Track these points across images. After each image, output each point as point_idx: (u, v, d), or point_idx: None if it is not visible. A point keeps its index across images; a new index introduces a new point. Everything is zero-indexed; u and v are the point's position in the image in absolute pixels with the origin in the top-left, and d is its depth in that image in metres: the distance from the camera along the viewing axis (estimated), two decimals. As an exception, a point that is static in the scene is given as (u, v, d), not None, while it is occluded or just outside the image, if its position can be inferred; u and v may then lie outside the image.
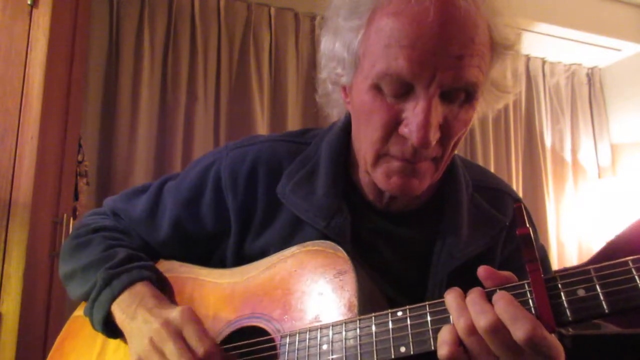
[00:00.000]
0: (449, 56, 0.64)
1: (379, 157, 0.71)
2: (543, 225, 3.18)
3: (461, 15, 0.64)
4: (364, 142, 0.73)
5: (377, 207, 0.82)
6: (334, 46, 0.74)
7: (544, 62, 3.42)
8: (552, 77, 3.44)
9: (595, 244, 3.21)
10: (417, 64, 0.64)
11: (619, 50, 3.32)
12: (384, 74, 0.66)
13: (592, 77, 3.56)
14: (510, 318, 0.52)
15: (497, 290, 0.55)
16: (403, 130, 0.67)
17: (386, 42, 0.65)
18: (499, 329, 0.52)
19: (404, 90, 0.66)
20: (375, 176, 0.74)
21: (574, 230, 3.30)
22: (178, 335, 0.70)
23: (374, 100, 0.69)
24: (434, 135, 0.66)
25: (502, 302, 0.53)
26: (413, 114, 0.66)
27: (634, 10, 3.29)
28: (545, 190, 3.26)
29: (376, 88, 0.68)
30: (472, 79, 0.66)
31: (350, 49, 0.71)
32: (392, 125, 0.68)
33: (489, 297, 0.55)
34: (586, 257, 3.03)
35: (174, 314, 0.72)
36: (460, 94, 0.67)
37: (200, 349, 0.68)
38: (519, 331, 0.50)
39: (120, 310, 0.77)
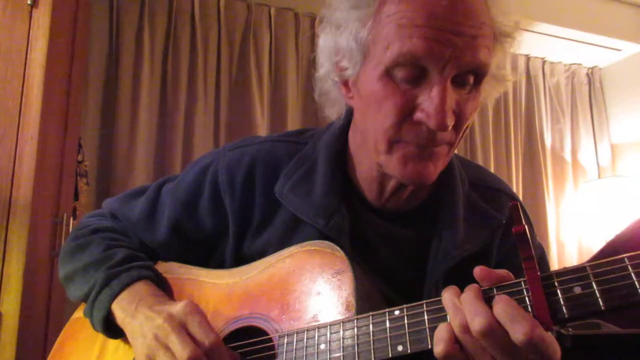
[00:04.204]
0: (464, 35, 0.64)
1: (392, 143, 0.71)
2: (543, 225, 3.18)
3: (473, 2, 0.66)
4: (374, 132, 0.72)
5: (374, 205, 0.82)
6: (337, 40, 0.73)
7: (544, 62, 3.42)
8: (552, 77, 3.44)
9: (595, 244, 3.21)
10: (432, 42, 0.64)
11: (619, 50, 3.32)
12: (398, 54, 0.65)
13: (592, 77, 3.56)
14: (509, 320, 0.51)
15: (494, 289, 0.56)
16: (418, 115, 0.67)
17: (399, 23, 0.65)
18: (493, 331, 0.52)
19: (418, 75, 0.66)
20: (389, 164, 0.72)
21: (574, 230, 3.30)
22: (182, 329, 0.70)
23: (385, 87, 0.68)
24: (450, 119, 0.66)
25: (501, 304, 0.53)
26: (429, 97, 0.66)
27: (634, 10, 3.29)
28: (545, 190, 3.25)
29: (388, 75, 0.68)
30: (485, 60, 0.67)
31: (358, 38, 0.70)
32: (407, 111, 0.68)
33: (485, 296, 0.55)
34: (586, 257, 3.00)
35: (177, 307, 0.72)
36: (469, 77, 0.68)
37: (205, 341, 0.68)
38: (517, 332, 0.50)
39: (120, 309, 0.77)
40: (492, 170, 3.03)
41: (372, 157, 0.76)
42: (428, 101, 0.66)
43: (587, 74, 3.56)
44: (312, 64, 0.82)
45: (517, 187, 3.18)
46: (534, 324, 0.50)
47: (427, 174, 0.71)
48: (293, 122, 2.72)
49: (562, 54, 3.39)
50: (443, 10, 0.64)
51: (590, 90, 3.55)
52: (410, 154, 0.70)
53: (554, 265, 3.13)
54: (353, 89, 0.76)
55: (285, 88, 2.73)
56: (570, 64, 3.51)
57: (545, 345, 0.50)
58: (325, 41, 0.77)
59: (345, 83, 0.78)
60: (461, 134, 0.72)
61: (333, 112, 0.85)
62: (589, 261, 0.53)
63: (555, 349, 0.52)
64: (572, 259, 3.26)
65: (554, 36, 3.12)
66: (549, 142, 3.37)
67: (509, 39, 0.73)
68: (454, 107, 0.67)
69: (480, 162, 3.05)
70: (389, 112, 0.68)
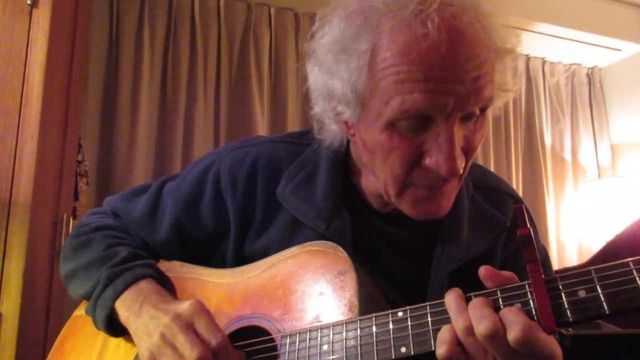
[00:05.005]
0: (465, 81, 0.61)
1: (403, 187, 0.70)
2: (543, 225, 3.18)
3: (470, 40, 0.62)
4: (383, 177, 0.71)
5: (377, 209, 0.82)
6: (329, 85, 0.70)
7: (544, 62, 3.42)
8: (552, 77, 3.44)
9: (595, 244, 3.21)
10: (435, 95, 0.61)
11: (619, 50, 3.32)
12: (399, 111, 0.62)
13: (592, 77, 3.56)
14: (507, 321, 0.52)
15: (499, 292, 0.55)
16: (428, 161, 0.65)
17: (397, 78, 0.62)
18: (497, 334, 0.51)
19: (422, 124, 0.64)
20: (401, 204, 0.72)
21: (574, 230, 3.30)
22: (190, 328, 0.69)
23: (390, 138, 0.66)
24: (461, 162, 0.65)
25: (505, 309, 0.53)
26: (437, 145, 0.64)
27: (634, 10, 3.29)
28: (545, 190, 3.26)
29: (391, 126, 0.65)
30: (489, 95, 0.65)
31: (353, 88, 0.66)
32: (415, 159, 0.66)
33: (491, 303, 0.55)
34: (586, 257, 3.02)
35: (184, 307, 0.72)
36: (475, 110, 0.66)
37: (213, 341, 0.67)
38: (510, 334, 0.51)
39: (124, 308, 0.77)
40: (492, 170, 3.03)
41: (381, 191, 0.74)
42: (437, 149, 0.64)
43: (587, 74, 3.56)
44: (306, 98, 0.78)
45: (517, 187, 3.18)
46: (528, 326, 0.50)
47: (441, 211, 0.71)
48: (293, 122, 2.72)
49: (562, 54, 3.39)
50: (442, 60, 0.60)
51: (590, 91, 3.55)
52: (422, 196, 0.70)
53: (554, 265, 3.13)
54: (354, 128, 0.73)
55: (285, 88, 2.73)
56: (570, 64, 3.51)
57: (541, 347, 0.50)
58: (316, 81, 0.74)
59: (345, 122, 0.75)
60: (471, 160, 0.71)
61: (336, 142, 0.81)
62: (589, 261, 0.53)
63: (555, 351, 0.52)
64: (572, 259, 3.27)
65: (554, 36, 3.12)
66: (549, 142, 3.37)
67: (510, 54, 0.70)
68: (463, 144, 0.66)
69: (480, 162, 3.05)
70: (397, 163, 0.67)
